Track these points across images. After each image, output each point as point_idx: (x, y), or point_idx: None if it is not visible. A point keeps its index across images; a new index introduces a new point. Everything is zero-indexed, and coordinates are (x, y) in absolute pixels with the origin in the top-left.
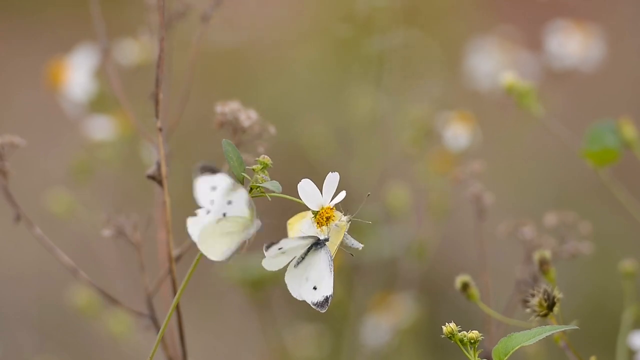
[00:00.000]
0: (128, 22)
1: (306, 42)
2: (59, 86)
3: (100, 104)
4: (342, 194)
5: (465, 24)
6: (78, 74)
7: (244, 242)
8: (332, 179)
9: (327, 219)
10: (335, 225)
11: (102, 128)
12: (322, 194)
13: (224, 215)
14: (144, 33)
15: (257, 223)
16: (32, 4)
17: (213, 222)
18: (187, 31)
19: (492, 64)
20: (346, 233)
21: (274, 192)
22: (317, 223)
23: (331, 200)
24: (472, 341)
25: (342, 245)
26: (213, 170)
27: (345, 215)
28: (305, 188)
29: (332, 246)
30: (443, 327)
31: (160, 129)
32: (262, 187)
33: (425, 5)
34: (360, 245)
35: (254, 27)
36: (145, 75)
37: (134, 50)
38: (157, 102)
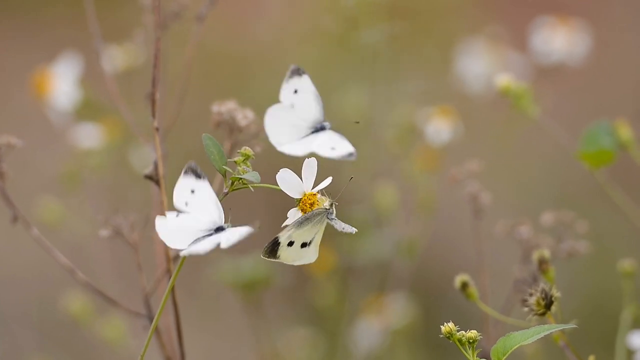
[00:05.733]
0: (124, 21)
1: (302, 43)
2: (45, 95)
3: (86, 111)
4: (328, 180)
5: (464, 22)
6: (63, 83)
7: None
8: (310, 164)
9: (311, 205)
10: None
11: (90, 136)
12: (302, 181)
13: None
14: (139, 33)
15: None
16: (30, 3)
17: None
18: (183, 31)
19: (482, 66)
20: (336, 218)
21: (254, 182)
22: (301, 210)
23: (314, 187)
24: (471, 341)
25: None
26: (197, 174)
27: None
28: (285, 177)
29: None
30: (441, 326)
31: (157, 129)
32: (243, 178)
33: (424, 4)
34: (353, 230)
35: (250, 28)
36: (138, 77)
37: (122, 54)
38: (153, 102)
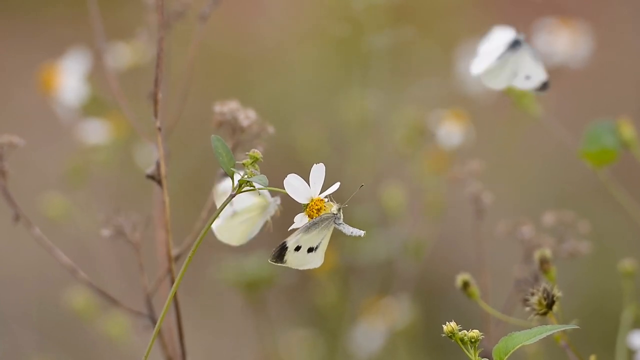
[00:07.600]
0: (126, 21)
1: (304, 43)
2: (52, 91)
3: (93, 107)
4: (336, 186)
5: (464, 22)
6: (70, 78)
7: (267, 223)
8: (318, 170)
9: (318, 210)
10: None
11: (97, 132)
12: (309, 186)
13: (234, 212)
14: (142, 33)
15: (274, 201)
16: (30, 3)
17: (227, 218)
18: (186, 31)
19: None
20: (343, 223)
21: (261, 186)
22: (308, 216)
23: (321, 192)
24: (473, 340)
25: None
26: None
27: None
28: (292, 182)
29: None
30: (443, 326)
31: (159, 129)
32: (250, 181)
33: (424, 4)
34: (361, 233)
35: (252, 28)
36: (141, 76)
37: (127, 52)
38: (156, 102)
